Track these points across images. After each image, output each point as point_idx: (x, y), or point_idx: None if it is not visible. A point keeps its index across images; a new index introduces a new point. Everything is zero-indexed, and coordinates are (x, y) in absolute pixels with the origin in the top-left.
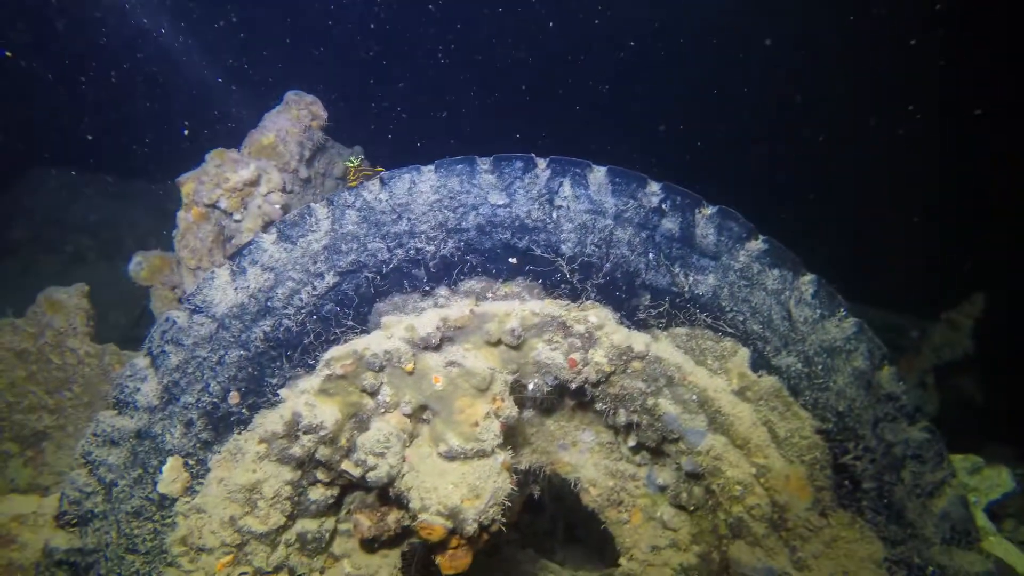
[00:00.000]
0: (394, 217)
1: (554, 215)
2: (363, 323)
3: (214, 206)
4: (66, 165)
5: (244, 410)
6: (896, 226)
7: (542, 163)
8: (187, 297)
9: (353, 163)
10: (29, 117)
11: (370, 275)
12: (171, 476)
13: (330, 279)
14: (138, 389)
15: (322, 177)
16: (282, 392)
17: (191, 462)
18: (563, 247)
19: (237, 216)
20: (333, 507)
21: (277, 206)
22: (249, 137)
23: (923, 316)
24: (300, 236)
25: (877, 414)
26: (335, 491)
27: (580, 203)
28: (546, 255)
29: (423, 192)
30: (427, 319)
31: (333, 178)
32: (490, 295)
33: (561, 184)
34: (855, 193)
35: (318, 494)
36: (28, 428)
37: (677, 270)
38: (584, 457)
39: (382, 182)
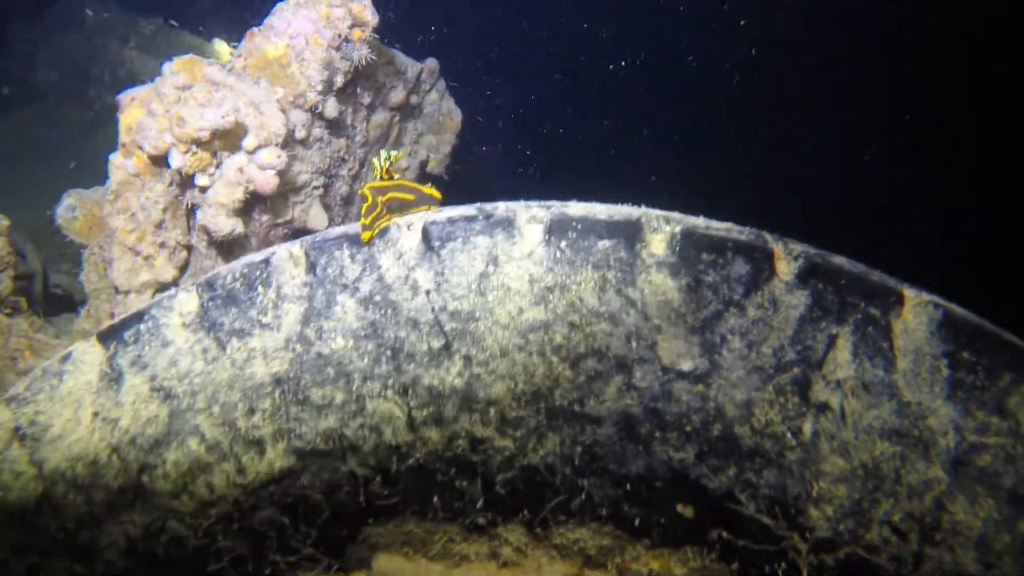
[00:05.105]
0: (436, 344)
1: (806, 429)
2: (336, 554)
3: (165, 159)
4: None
5: None
6: None
7: (786, 267)
8: (10, 398)
9: (379, 167)
10: None
11: (363, 470)
12: None
13: (277, 457)
14: None
15: (367, 112)
16: None
17: None
18: (812, 512)
19: (202, 180)
20: None
21: (270, 171)
22: (247, 42)
23: None
24: (237, 333)
25: None
26: None
27: (872, 404)
28: (766, 518)
29: (512, 289)
30: None
31: (387, 110)
32: (615, 567)
33: (832, 341)
34: None
35: None
36: None
37: None
38: None
39: (426, 240)
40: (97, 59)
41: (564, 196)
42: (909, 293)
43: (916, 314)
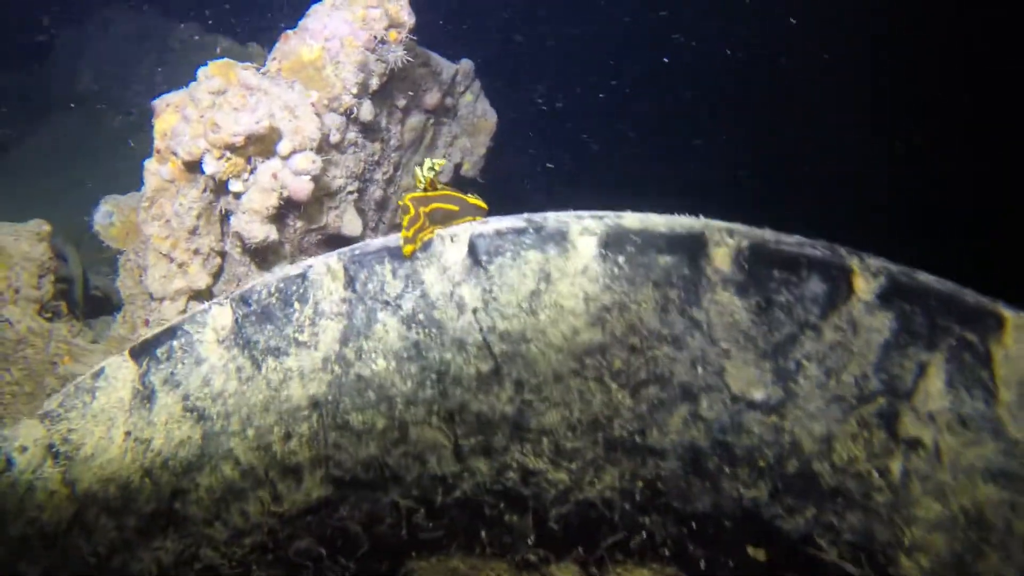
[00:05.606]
0: (485, 368)
1: (895, 467)
2: None
3: (199, 165)
4: (141, 6)
5: None
6: None
7: (864, 285)
8: (44, 414)
9: (422, 179)
10: None
11: (406, 501)
12: None
13: (314, 485)
14: None
15: (401, 114)
16: None
17: None
18: (905, 562)
19: (236, 186)
20: None
21: (305, 177)
22: (282, 45)
23: None
24: (272, 351)
25: None
26: None
27: (972, 442)
28: (851, 566)
29: (566, 309)
30: None
31: (422, 112)
32: None
33: (922, 369)
34: None
35: None
36: None
37: None
38: None
39: (473, 254)
40: (135, 64)
41: (594, 198)
42: (1010, 314)
43: (1019, 339)
